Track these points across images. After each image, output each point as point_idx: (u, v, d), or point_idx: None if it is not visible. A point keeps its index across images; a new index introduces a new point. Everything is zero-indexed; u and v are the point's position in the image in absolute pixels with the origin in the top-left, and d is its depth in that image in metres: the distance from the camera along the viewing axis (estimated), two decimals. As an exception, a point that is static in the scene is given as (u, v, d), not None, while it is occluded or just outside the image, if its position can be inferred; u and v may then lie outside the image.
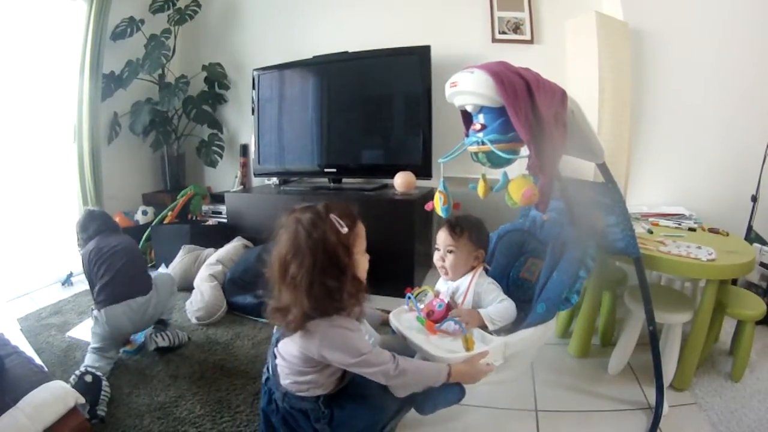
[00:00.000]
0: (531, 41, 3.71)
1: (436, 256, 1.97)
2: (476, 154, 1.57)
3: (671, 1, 3.22)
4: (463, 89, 1.52)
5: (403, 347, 1.72)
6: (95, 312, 2.45)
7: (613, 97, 3.09)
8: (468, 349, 1.60)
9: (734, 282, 2.74)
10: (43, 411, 1.56)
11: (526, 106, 1.43)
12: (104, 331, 2.39)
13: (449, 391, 1.60)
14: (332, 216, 1.44)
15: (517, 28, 3.71)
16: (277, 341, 1.57)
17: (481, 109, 1.54)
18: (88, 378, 2.16)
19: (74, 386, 2.07)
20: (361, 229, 1.52)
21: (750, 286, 2.91)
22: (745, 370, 2.34)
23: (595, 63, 3.07)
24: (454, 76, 1.55)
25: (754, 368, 2.40)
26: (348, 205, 1.53)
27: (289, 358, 1.51)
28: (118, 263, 2.51)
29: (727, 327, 2.59)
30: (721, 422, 1.99)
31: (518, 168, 1.54)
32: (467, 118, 1.65)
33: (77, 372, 2.20)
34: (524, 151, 1.49)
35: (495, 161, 1.54)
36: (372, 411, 1.55)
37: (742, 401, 2.15)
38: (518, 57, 3.73)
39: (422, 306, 1.83)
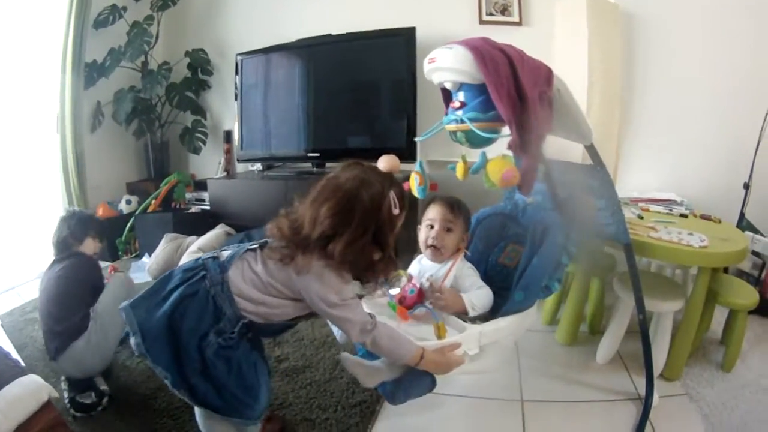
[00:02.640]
0: (519, 23, 3.66)
1: (429, 233, 1.86)
2: (455, 133, 1.51)
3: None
4: (442, 65, 1.46)
5: None
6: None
7: (603, 80, 3.04)
8: (440, 336, 1.54)
9: (725, 270, 2.70)
10: (16, 406, 1.52)
11: (509, 83, 1.37)
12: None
13: (420, 380, 1.55)
14: (392, 193, 1.47)
15: (504, 10, 3.65)
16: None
17: (461, 86, 1.48)
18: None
19: (70, 388, 2.12)
20: (402, 216, 1.52)
21: (741, 274, 2.87)
22: (737, 360, 2.30)
23: (585, 45, 3.01)
24: (433, 52, 1.49)
25: (746, 358, 2.36)
26: (403, 188, 1.56)
27: (256, 276, 1.48)
28: (44, 307, 2.26)
29: (719, 316, 2.54)
30: (712, 413, 1.96)
31: (499, 149, 1.48)
32: (447, 96, 1.59)
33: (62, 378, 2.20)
34: (506, 130, 1.43)
35: (474, 141, 1.47)
36: (251, 381, 1.50)
37: (733, 392, 2.11)
38: (506, 39, 3.65)
39: (397, 291, 1.76)
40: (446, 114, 1.57)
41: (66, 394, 2.11)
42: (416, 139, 1.67)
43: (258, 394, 1.50)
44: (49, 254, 3.18)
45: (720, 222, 2.52)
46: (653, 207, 2.68)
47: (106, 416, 2.02)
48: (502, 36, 3.50)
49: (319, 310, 1.44)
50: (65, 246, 2.47)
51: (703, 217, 2.56)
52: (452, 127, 1.50)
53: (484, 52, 1.37)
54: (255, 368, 1.50)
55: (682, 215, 2.57)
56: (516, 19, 3.64)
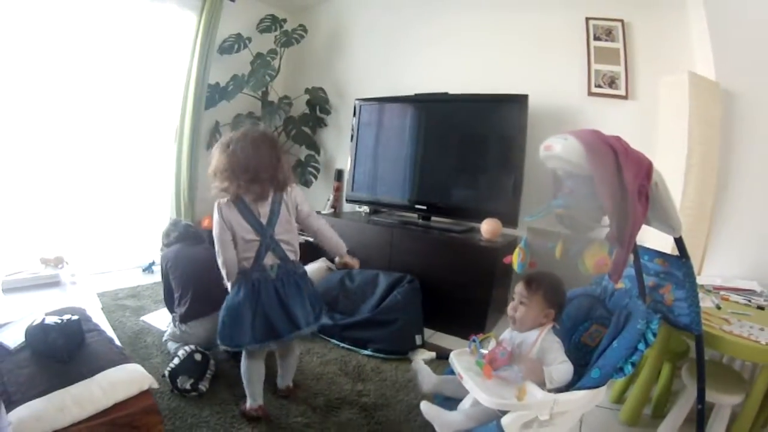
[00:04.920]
0: (625, 97, 3.63)
1: (511, 305, 1.99)
2: (560, 216, 1.66)
3: (765, 63, 3.00)
4: (556, 154, 1.61)
5: (458, 387, 1.81)
6: (178, 323, 2.67)
7: (701, 162, 2.97)
8: (520, 398, 1.63)
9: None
10: (117, 388, 1.73)
11: (613, 177, 1.52)
12: (183, 341, 2.61)
13: None
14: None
15: (612, 83, 3.65)
16: (273, 240, 2.25)
17: (572, 174, 1.63)
18: (198, 356, 2.46)
19: (182, 362, 2.40)
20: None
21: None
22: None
23: (686, 125, 2.96)
24: (549, 140, 1.65)
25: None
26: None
27: (287, 226, 2.32)
28: (195, 277, 2.68)
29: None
30: None
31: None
32: (558, 179, 1.74)
33: (186, 349, 2.48)
34: (605, 220, 1.57)
35: (577, 227, 1.61)
36: None
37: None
38: (612, 112, 3.59)
39: (485, 352, 1.87)
40: (555, 196, 1.73)
41: (167, 370, 2.40)
42: (526, 218, 1.83)
43: None
44: (148, 250, 4.07)
45: (796, 317, 2.48)
46: (733, 296, 2.64)
47: (185, 412, 2.26)
48: (608, 108, 3.54)
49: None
50: (192, 236, 2.98)
51: (781, 310, 2.52)
52: (560, 211, 1.65)
53: (594, 145, 1.54)
54: None
55: (760, 307, 2.51)
56: (623, 92, 3.62)
